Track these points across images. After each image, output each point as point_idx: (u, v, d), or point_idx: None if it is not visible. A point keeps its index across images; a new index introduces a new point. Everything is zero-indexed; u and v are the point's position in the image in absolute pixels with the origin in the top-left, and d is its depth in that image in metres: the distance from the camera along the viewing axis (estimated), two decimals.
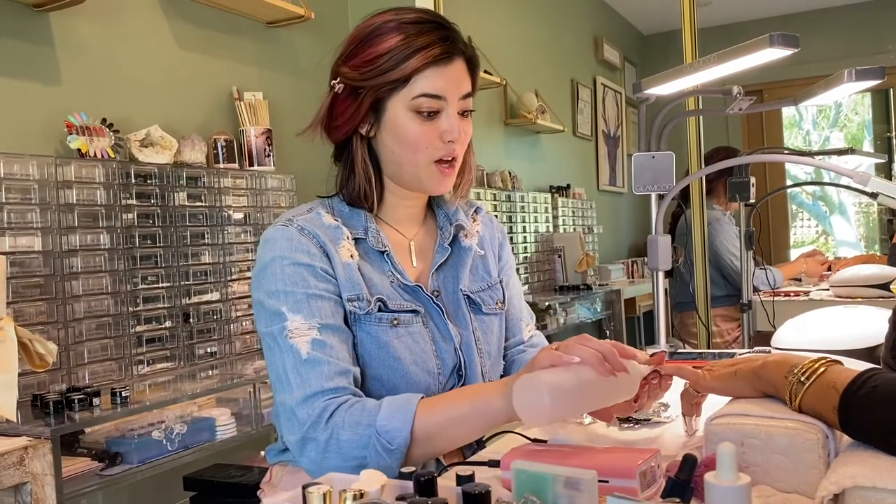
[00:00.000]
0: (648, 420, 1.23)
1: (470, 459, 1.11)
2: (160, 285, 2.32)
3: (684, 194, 3.14)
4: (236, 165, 2.66)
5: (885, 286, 2.86)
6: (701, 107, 3.02)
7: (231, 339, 2.54)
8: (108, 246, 2.17)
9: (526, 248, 4.37)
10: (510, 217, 4.22)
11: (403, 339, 1.14)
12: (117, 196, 2.20)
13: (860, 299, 2.86)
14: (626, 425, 1.22)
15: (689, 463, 0.74)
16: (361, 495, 0.72)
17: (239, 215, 2.60)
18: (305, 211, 1.18)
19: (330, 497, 0.72)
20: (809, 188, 6.83)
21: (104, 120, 2.25)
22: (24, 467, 1.53)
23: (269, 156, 2.77)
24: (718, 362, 1.06)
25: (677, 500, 0.71)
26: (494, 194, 4.09)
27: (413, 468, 0.80)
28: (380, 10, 1.15)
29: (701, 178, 3.17)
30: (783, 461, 0.85)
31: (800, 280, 3.77)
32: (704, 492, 0.68)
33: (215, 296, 2.49)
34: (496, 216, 4.05)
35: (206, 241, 2.47)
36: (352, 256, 1.14)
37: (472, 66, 1.17)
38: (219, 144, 2.62)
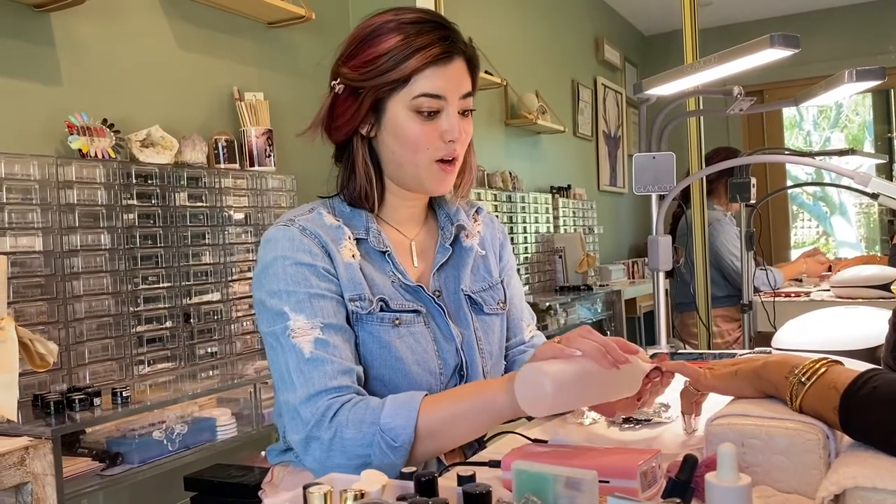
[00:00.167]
0: (649, 420, 1.23)
1: (471, 460, 1.12)
2: (161, 285, 2.32)
3: (685, 195, 3.14)
4: (237, 166, 2.66)
5: (885, 287, 2.86)
6: (701, 107, 3.02)
7: (232, 339, 2.54)
8: (108, 246, 2.17)
9: (526, 248, 4.37)
10: (511, 217, 4.22)
11: (405, 339, 1.14)
12: (118, 196, 2.20)
13: (861, 300, 2.86)
14: (626, 426, 1.22)
15: (689, 463, 0.74)
16: (362, 495, 0.72)
17: (240, 215, 2.60)
18: (307, 211, 1.18)
19: (331, 497, 0.72)
20: (810, 189, 6.83)
21: (105, 120, 2.25)
22: (24, 467, 1.53)
23: (269, 156, 2.77)
24: (719, 362, 1.06)
25: (678, 501, 0.71)
26: (495, 195, 4.09)
27: (414, 468, 0.80)
28: (379, 11, 1.15)
29: (702, 178, 3.17)
30: (784, 461, 0.85)
31: (800, 280, 3.77)
32: (705, 492, 0.68)
33: (216, 296, 2.49)
34: (497, 216, 4.06)
35: (206, 241, 2.47)
36: (353, 256, 1.14)
37: (472, 66, 1.17)
38: (219, 145, 2.62)
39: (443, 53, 1.11)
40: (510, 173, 4.37)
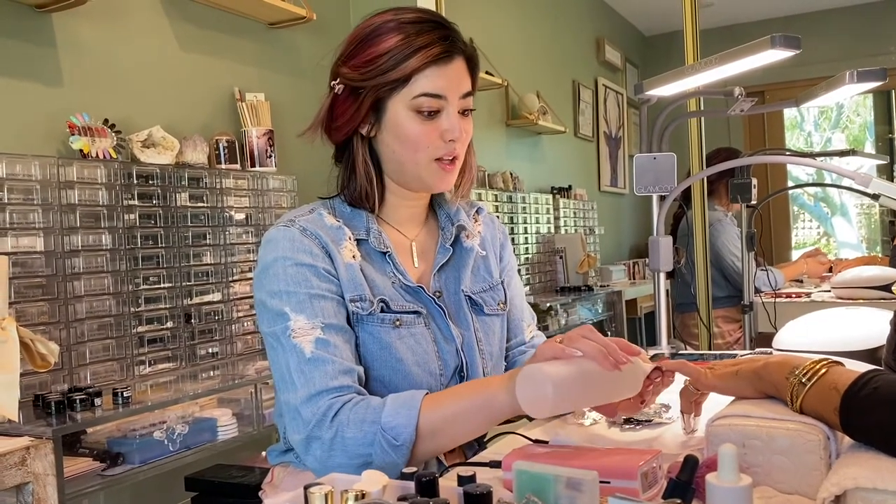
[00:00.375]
0: (650, 421, 1.23)
1: (471, 460, 1.12)
2: (162, 286, 2.32)
3: (685, 195, 3.14)
4: (238, 166, 2.66)
5: (886, 288, 2.86)
6: (702, 108, 3.02)
7: (232, 339, 2.54)
8: (109, 246, 2.17)
9: (527, 248, 4.37)
10: (511, 218, 4.22)
11: (406, 340, 1.14)
12: (119, 196, 2.20)
13: (861, 301, 2.86)
14: (627, 426, 1.22)
15: (690, 464, 0.74)
16: (363, 496, 0.72)
17: (240, 216, 2.60)
18: (307, 212, 1.18)
19: (332, 497, 0.72)
20: (811, 190, 6.83)
21: (106, 120, 2.26)
22: (25, 467, 1.53)
23: (270, 156, 2.77)
24: (720, 362, 1.06)
25: (678, 501, 0.71)
26: (496, 195, 4.09)
27: (415, 468, 0.80)
28: (379, 11, 1.15)
29: (703, 179, 3.16)
30: (784, 462, 0.85)
31: (801, 281, 3.77)
32: (706, 493, 0.68)
33: (217, 296, 2.50)
34: (497, 217, 4.06)
35: (207, 241, 2.47)
36: (354, 257, 1.14)
37: (472, 65, 1.17)
38: (220, 145, 2.62)
39: (443, 53, 1.11)
40: (511, 174, 4.37)
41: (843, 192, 5.92)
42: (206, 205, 2.47)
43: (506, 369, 1.31)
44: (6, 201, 1.93)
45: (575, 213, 5.07)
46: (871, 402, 0.80)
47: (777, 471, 0.86)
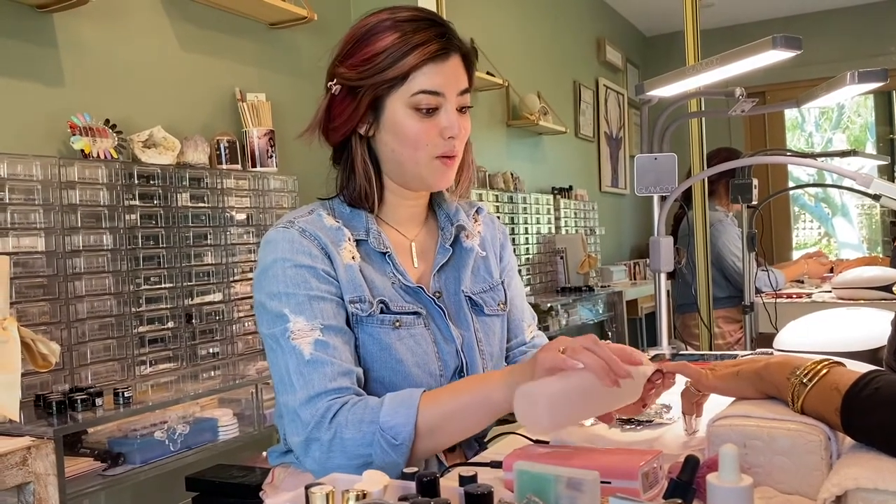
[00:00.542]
0: (650, 421, 1.23)
1: (472, 460, 1.11)
2: (163, 286, 2.32)
3: (686, 196, 3.13)
4: (239, 166, 2.67)
5: (887, 288, 2.86)
6: (703, 108, 3.02)
7: (233, 339, 2.54)
8: (111, 246, 2.17)
9: (528, 249, 4.37)
10: (512, 218, 4.22)
11: (405, 341, 1.14)
12: (120, 197, 2.20)
13: (862, 301, 2.86)
14: (628, 426, 1.22)
15: (691, 464, 0.74)
16: (364, 496, 0.72)
17: (241, 216, 2.60)
18: (306, 213, 1.18)
19: (333, 497, 0.72)
20: (812, 190, 6.83)
21: (107, 121, 2.26)
22: (26, 467, 1.53)
23: (271, 157, 2.78)
24: (721, 363, 1.06)
25: (679, 501, 0.71)
26: (496, 195, 4.09)
27: (416, 469, 0.80)
28: (374, 10, 1.16)
29: (703, 179, 3.16)
30: (785, 462, 0.85)
31: (802, 282, 3.77)
32: (707, 493, 0.68)
33: (218, 296, 2.50)
34: (498, 217, 4.06)
35: (208, 241, 2.47)
36: (353, 258, 1.14)
37: (469, 62, 1.17)
38: (221, 145, 2.62)
39: (440, 50, 1.11)
40: (512, 174, 4.37)
41: (844, 192, 5.92)
42: (207, 205, 2.47)
43: None
44: (7, 201, 1.94)
45: (576, 213, 5.07)
46: (872, 402, 0.80)
47: (778, 471, 0.86)
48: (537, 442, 1.12)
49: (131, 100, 2.43)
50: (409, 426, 1.00)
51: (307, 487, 0.73)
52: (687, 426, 1.14)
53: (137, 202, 2.26)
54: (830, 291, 3.15)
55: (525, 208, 4.37)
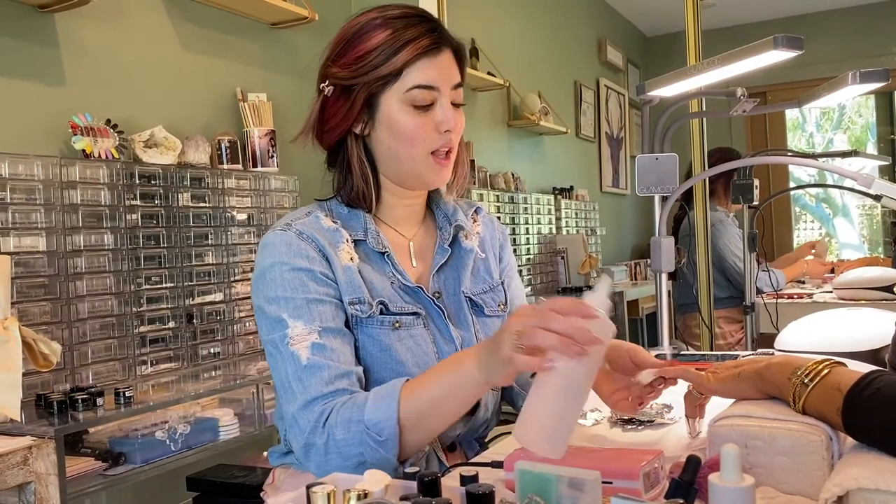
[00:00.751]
0: (652, 421, 1.23)
1: (473, 460, 1.11)
2: (164, 286, 2.32)
3: (686, 196, 3.13)
4: (240, 166, 2.67)
5: (888, 288, 2.85)
6: (704, 108, 3.01)
7: (234, 339, 2.54)
8: (112, 246, 2.17)
9: (529, 249, 4.37)
10: (513, 219, 4.22)
11: (405, 342, 1.14)
12: (121, 196, 2.20)
13: (863, 302, 2.86)
14: (629, 427, 1.22)
15: (692, 464, 0.74)
16: (365, 495, 0.72)
17: (242, 216, 2.60)
18: (304, 215, 1.18)
19: (334, 497, 0.72)
20: (813, 190, 6.83)
21: (108, 121, 2.26)
22: (27, 467, 1.54)
23: (272, 157, 2.78)
24: (722, 364, 1.06)
25: (681, 501, 0.71)
26: (497, 196, 4.09)
27: (417, 468, 0.80)
28: (363, 10, 1.16)
29: (704, 179, 3.16)
30: (787, 463, 0.85)
31: (803, 282, 3.77)
32: (708, 493, 0.68)
33: (219, 296, 2.50)
34: (499, 217, 4.07)
35: (209, 241, 2.47)
36: (352, 259, 1.14)
37: (460, 57, 1.17)
38: (222, 145, 2.62)
39: (432, 45, 1.12)
40: (512, 174, 4.37)
41: (845, 193, 5.92)
42: (207, 205, 2.47)
43: None
44: (9, 201, 1.94)
45: (576, 213, 5.07)
46: (873, 402, 0.80)
47: (779, 471, 0.85)
48: None
49: (132, 100, 2.43)
50: (391, 420, 0.99)
51: (308, 487, 0.73)
52: (690, 429, 1.14)
53: (138, 202, 2.26)
54: (831, 292, 3.15)
55: (526, 208, 4.37)
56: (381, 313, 1.13)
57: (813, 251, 4.00)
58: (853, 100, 6.39)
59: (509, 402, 1.32)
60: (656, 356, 1.24)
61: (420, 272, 1.22)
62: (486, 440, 1.26)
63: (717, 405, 1.03)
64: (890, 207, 4.00)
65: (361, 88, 1.13)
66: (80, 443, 1.90)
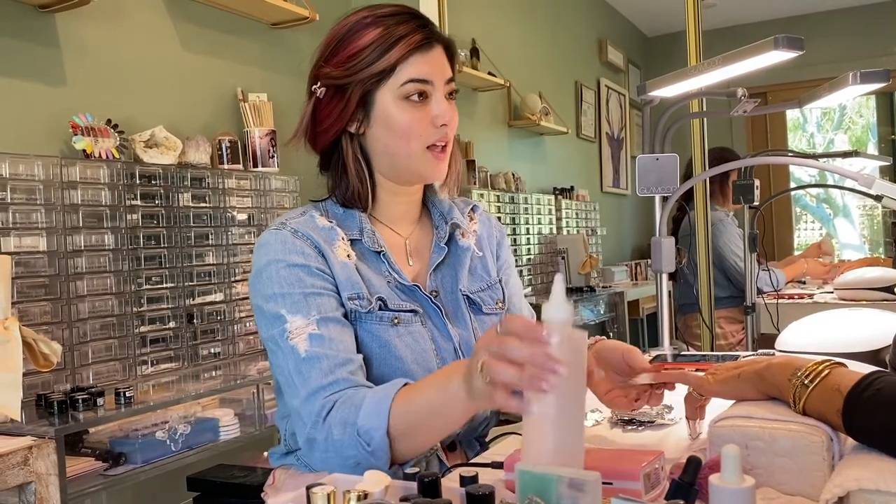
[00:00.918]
0: (652, 422, 1.23)
1: (473, 461, 1.11)
2: (164, 286, 2.32)
3: (684, 196, 3.13)
4: (240, 166, 2.67)
5: (889, 289, 2.85)
6: (705, 109, 3.01)
7: (235, 339, 2.54)
8: (112, 246, 2.17)
9: (529, 249, 4.37)
10: (513, 219, 4.22)
11: (404, 339, 1.14)
12: (122, 196, 2.20)
13: (864, 302, 2.85)
14: (629, 427, 1.22)
15: (693, 465, 0.74)
16: (365, 496, 0.72)
17: (243, 216, 2.60)
18: (298, 214, 1.18)
19: (334, 497, 0.72)
20: (813, 191, 6.82)
21: (109, 121, 2.26)
22: (28, 467, 1.54)
23: (273, 157, 2.78)
24: (722, 365, 1.06)
25: (681, 502, 0.71)
26: (498, 196, 4.09)
27: (417, 469, 0.80)
28: (352, 10, 1.16)
29: (705, 179, 3.16)
30: (787, 463, 0.85)
31: (804, 282, 3.77)
32: (709, 494, 0.68)
33: (219, 296, 2.50)
34: (499, 218, 4.07)
35: (210, 241, 2.47)
36: (349, 257, 1.14)
37: (451, 53, 1.18)
38: (223, 145, 2.62)
39: (424, 40, 1.13)
40: (513, 174, 4.37)
41: (846, 193, 5.91)
42: (208, 205, 2.47)
43: None
44: (9, 201, 1.94)
45: (577, 213, 5.07)
46: (874, 403, 0.79)
47: (780, 472, 0.85)
48: None
49: (133, 100, 2.43)
50: (380, 431, 0.97)
51: (308, 488, 0.73)
52: (691, 430, 1.14)
53: (139, 202, 2.26)
54: (832, 292, 3.15)
55: (526, 209, 4.37)
56: (381, 309, 1.13)
57: (820, 253, 3.98)
58: (854, 100, 6.38)
59: None
60: (657, 356, 1.24)
61: (417, 271, 1.22)
62: (487, 440, 1.26)
63: (717, 406, 1.03)
64: (890, 208, 4.00)
65: (356, 86, 1.13)
66: (81, 443, 1.90)
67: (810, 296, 3.22)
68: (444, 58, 1.16)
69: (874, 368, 0.87)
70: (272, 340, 1.09)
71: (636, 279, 5.51)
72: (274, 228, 1.14)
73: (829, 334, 1.52)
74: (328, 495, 0.72)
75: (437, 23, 3.42)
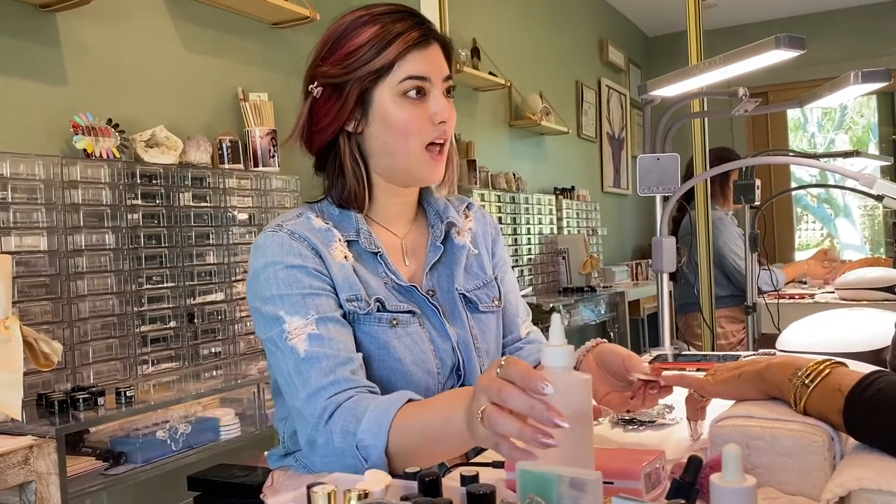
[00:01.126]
0: (653, 422, 1.23)
1: (474, 460, 1.11)
2: (165, 285, 2.32)
3: (685, 195, 3.13)
4: (241, 166, 2.67)
5: (890, 289, 2.85)
6: (706, 108, 3.01)
7: (235, 339, 2.54)
8: (113, 246, 2.17)
9: (530, 249, 4.37)
10: (514, 218, 4.22)
11: (402, 340, 1.13)
12: (122, 196, 2.20)
13: (865, 302, 2.85)
14: (630, 427, 1.22)
15: (694, 464, 0.74)
16: (366, 495, 0.72)
17: (243, 216, 2.60)
18: (294, 216, 1.17)
19: (335, 497, 0.72)
20: (814, 191, 6.82)
21: (110, 120, 2.26)
22: (28, 466, 1.54)
23: (273, 156, 2.78)
24: (722, 365, 1.06)
25: (682, 502, 0.71)
26: (498, 196, 4.09)
27: (418, 468, 0.80)
28: (349, 10, 1.16)
29: (706, 179, 3.16)
30: (788, 463, 0.85)
31: (804, 282, 3.76)
32: (710, 493, 0.68)
33: (220, 296, 2.50)
34: (500, 217, 4.07)
35: (210, 241, 2.47)
36: (346, 258, 1.14)
37: (448, 51, 1.18)
38: (224, 145, 2.62)
39: (421, 37, 1.13)
40: (514, 174, 4.37)
41: (847, 193, 5.91)
42: (209, 205, 2.47)
43: None
44: (10, 200, 1.94)
45: (578, 213, 5.07)
46: (874, 403, 0.79)
47: (781, 472, 0.85)
48: None
49: (134, 99, 2.43)
50: (378, 449, 0.96)
51: (309, 487, 0.73)
52: (693, 432, 1.14)
53: (140, 202, 2.26)
54: (833, 292, 3.15)
55: (527, 209, 4.37)
56: (379, 310, 1.12)
57: (826, 259, 3.96)
58: (855, 100, 6.38)
59: None
60: (658, 356, 1.24)
61: (413, 271, 1.21)
62: None
63: (718, 406, 1.02)
64: (892, 208, 4.00)
65: (353, 85, 1.13)
66: (81, 442, 1.90)
67: (811, 296, 3.22)
68: (441, 55, 1.16)
69: (875, 368, 0.86)
70: (271, 342, 1.09)
71: (637, 279, 5.51)
72: (270, 230, 1.14)
73: (829, 334, 1.52)
74: (329, 494, 0.72)
75: (437, 22, 3.43)
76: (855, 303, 2.87)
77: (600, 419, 1.25)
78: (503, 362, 0.78)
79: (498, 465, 1.00)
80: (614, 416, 1.25)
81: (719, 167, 1.77)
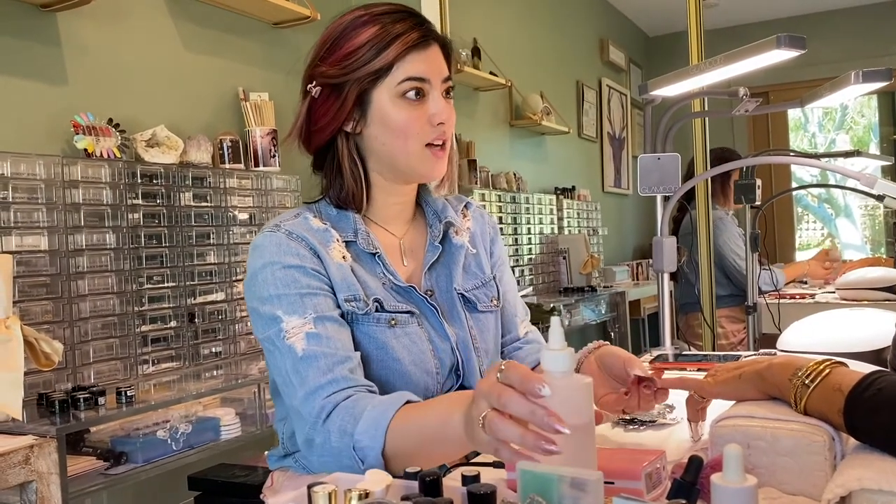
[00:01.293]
0: (654, 422, 1.23)
1: (475, 460, 1.11)
2: (165, 285, 2.32)
3: (687, 195, 3.13)
4: (242, 166, 2.67)
5: (891, 289, 2.85)
6: (707, 108, 3.01)
7: (236, 339, 2.54)
8: (113, 246, 2.18)
9: (530, 249, 4.37)
10: (515, 218, 4.22)
11: (401, 340, 1.13)
12: (123, 196, 2.20)
13: (866, 302, 2.85)
14: (631, 427, 1.22)
15: (695, 464, 0.74)
16: (367, 495, 0.72)
17: (244, 215, 2.60)
18: (292, 216, 1.17)
19: (335, 496, 0.72)
20: (815, 191, 6.82)
21: (110, 120, 2.26)
22: (29, 466, 1.54)
23: (274, 156, 2.78)
24: (723, 366, 1.06)
25: (683, 502, 0.71)
26: (499, 196, 4.09)
27: (418, 468, 0.80)
28: (348, 9, 1.16)
29: (707, 179, 3.16)
30: (789, 463, 0.85)
31: (805, 282, 3.76)
32: (711, 493, 0.68)
33: (220, 296, 2.50)
34: (500, 217, 4.07)
35: (211, 241, 2.47)
36: (344, 258, 1.14)
37: (447, 51, 1.18)
38: (224, 145, 2.62)
39: (421, 38, 1.12)
40: (514, 174, 4.37)
41: (848, 193, 5.91)
42: (209, 204, 2.47)
43: None
44: (10, 200, 1.94)
45: (578, 213, 5.07)
46: (875, 403, 0.79)
47: (781, 472, 0.85)
48: None
49: (134, 99, 2.43)
50: (375, 451, 0.95)
51: (310, 487, 0.73)
52: (693, 433, 1.14)
53: (140, 201, 2.26)
54: (834, 292, 3.15)
55: (528, 208, 4.37)
56: (377, 311, 1.12)
57: (827, 259, 3.96)
58: (855, 100, 6.38)
59: None
60: (658, 356, 1.24)
61: (411, 271, 1.21)
62: None
63: (718, 406, 1.02)
64: (892, 208, 4.00)
65: (352, 85, 1.12)
66: (82, 442, 1.90)
67: (812, 296, 3.22)
68: (440, 56, 1.16)
69: (875, 368, 0.86)
70: (269, 341, 1.09)
71: (637, 279, 5.51)
72: (268, 231, 1.14)
73: (830, 334, 1.52)
74: (329, 494, 0.72)
75: (438, 22, 3.43)
76: (855, 303, 2.87)
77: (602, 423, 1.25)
78: (503, 366, 0.77)
79: (499, 465, 1.00)
80: (615, 419, 1.25)
81: (720, 167, 1.77)
